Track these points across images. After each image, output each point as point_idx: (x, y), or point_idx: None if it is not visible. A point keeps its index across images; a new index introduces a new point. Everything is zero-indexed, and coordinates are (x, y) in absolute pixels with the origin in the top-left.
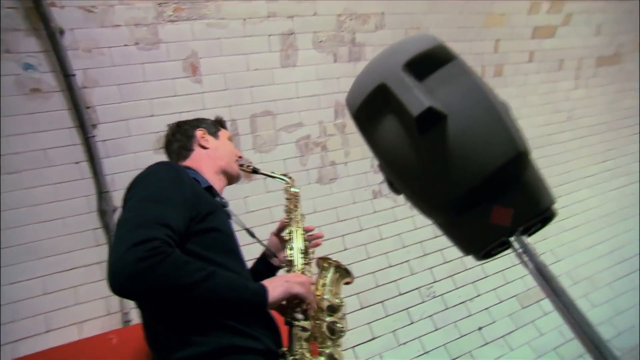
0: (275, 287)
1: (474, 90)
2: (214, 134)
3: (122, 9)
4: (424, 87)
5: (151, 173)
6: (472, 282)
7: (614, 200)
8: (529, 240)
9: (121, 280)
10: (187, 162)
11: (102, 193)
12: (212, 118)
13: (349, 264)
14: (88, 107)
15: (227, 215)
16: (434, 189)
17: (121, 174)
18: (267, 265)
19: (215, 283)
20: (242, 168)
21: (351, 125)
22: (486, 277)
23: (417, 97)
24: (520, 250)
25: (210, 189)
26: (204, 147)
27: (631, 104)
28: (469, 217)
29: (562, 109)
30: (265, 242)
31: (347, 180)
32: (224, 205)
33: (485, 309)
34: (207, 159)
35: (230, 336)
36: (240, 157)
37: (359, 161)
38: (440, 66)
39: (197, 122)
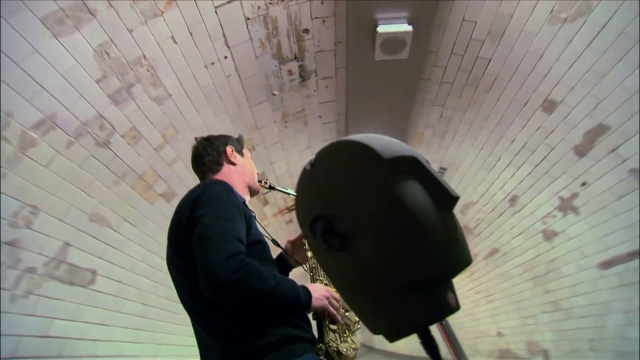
0: (318, 299)
1: None
2: (240, 151)
3: None
4: None
5: (215, 194)
6: None
7: None
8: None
9: (222, 288)
10: (218, 176)
11: None
12: (236, 136)
13: None
14: None
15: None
16: (436, 253)
17: None
18: (283, 264)
19: (283, 287)
20: (261, 184)
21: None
22: None
23: (449, 185)
24: (447, 332)
25: (244, 203)
26: (232, 164)
27: None
28: (433, 289)
29: None
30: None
31: None
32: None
33: None
34: (235, 175)
35: (292, 328)
36: (258, 173)
37: None
38: None
39: (226, 139)
